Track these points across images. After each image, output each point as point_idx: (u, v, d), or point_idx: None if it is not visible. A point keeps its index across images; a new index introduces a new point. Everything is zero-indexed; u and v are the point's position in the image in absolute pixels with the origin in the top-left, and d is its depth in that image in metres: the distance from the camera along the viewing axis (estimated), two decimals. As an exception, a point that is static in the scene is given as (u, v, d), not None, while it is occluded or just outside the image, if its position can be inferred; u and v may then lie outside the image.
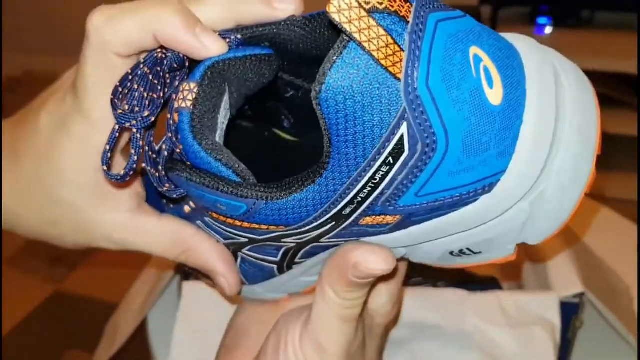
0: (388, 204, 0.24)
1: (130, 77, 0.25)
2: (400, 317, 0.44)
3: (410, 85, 0.21)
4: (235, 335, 0.34)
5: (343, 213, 0.25)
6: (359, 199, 0.24)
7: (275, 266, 0.32)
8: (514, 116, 0.22)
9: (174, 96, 0.25)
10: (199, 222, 0.31)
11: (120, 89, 0.25)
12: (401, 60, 0.21)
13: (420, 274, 0.51)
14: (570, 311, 0.46)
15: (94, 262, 1.11)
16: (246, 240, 0.29)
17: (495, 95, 0.22)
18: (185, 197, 0.29)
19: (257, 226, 0.26)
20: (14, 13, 2.25)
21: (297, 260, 0.31)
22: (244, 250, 0.31)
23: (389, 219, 0.25)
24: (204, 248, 0.31)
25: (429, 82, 0.21)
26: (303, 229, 0.26)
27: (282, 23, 0.26)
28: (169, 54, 0.26)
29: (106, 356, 0.60)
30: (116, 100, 0.25)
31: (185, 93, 0.24)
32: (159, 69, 0.25)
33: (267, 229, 0.26)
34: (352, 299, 0.28)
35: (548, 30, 1.39)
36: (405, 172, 0.23)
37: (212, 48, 0.25)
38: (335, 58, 0.21)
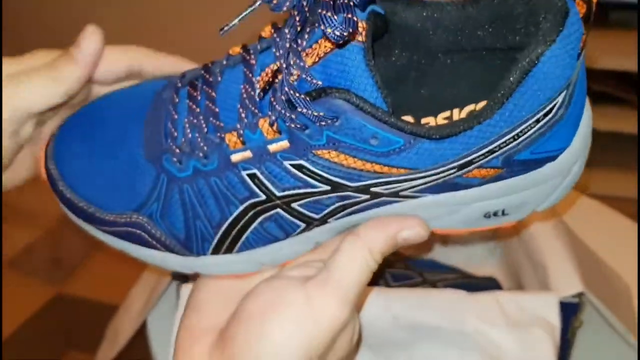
0: (506, 158, 0.29)
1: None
2: (398, 318, 0.44)
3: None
4: (195, 313, 0.33)
5: (473, 161, 0.29)
6: (496, 149, 0.28)
7: (303, 224, 0.33)
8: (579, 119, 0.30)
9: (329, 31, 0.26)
10: (250, 171, 0.31)
11: None
12: None
13: (420, 274, 0.51)
14: (569, 311, 0.46)
15: (94, 265, 1.11)
16: (327, 188, 0.30)
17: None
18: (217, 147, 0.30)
19: (379, 168, 0.29)
20: (13, 17, 2.25)
21: (339, 217, 0.33)
22: (292, 205, 0.31)
23: (491, 172, 0.30)
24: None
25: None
26: (423, 174, 0.29)
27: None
28: None
29: (107, 359, 0.60)
30: None
31: (360, 28, 0.27)
32: None
33: (389, 171, 0.29)
34: (381, 256, 0.32)
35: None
36: (540, 131, 0.28)
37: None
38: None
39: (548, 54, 0.26)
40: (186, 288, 0.46)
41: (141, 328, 0.55)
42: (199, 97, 0.32)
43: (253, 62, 0.31)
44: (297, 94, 0.27)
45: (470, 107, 0.33)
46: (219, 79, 0.32)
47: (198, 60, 0.37)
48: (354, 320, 0.32)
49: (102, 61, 0.37)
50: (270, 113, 0.29)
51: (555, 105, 0.28)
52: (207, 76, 0.32)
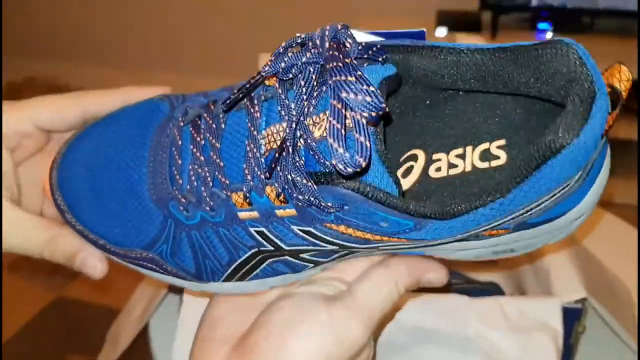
0: (520, 223, 0.28)
1: None
2: (401, 323, 0.44)
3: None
4: (210, 327, 0.34)
5: (483, 232, 0.29)
6: (509, 221, 0.28)
7: (312, 264, 0.33)
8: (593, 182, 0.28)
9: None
10: (258, 229, 0.31)
11: None
12: None
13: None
14: (572, 316, 0.46)
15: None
16: (335, 248, 0.31)
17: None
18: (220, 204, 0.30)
19: (388, 239, 0.29)
20: (15, 18, 2.25)
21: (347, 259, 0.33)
22: (300, 255, 0.32)
23: (501, 232, 0.29)
24: (73, 235, 0.34)
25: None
26: (431, 243, 0.30)
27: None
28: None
29: (108, 362, 0.60)
30: None
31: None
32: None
33: (398, 241, 0.29)
34: (404, 290, 0.33)
35: (548, 35, 1.39)
36: (555, 201, 0.27)
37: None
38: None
39: (571, 146, 0.24)
40: (187, 297, 0.45)
41: (142, 331, 0.55)
42: (203, 143, 0.31)
43: (257, 114, 0.30)
44: (304, 181, 0.27)
45: (484, 146, 0.32)
46: (223, 126, 0.31)
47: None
48: (370, 346, 0.33)
49: (56, 112, 0.37)
50: (276, 184, 0.29)
51: (572, 180, 0.26)
52: (210, 121, 0.32)
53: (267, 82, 0.30)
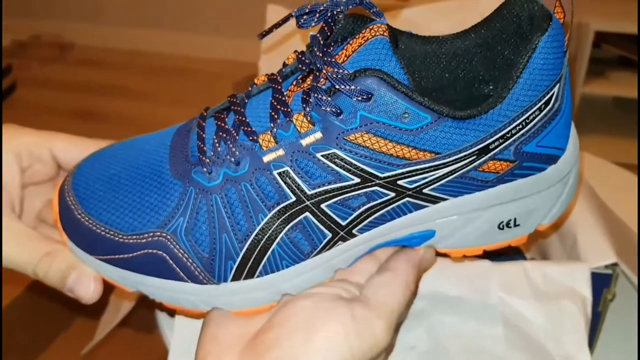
0: (516, 148, 0.33)
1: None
2: (419, 288, 0.41)
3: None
4: (218, 325, 0.33)
5: (489, 147, 0.32)
6: (508, 135, 0.32)
7: (330, 234, 0.34)
8: (569, 120, 0.36)
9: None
10: (282, 169, 0.32)
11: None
12: None
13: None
14: (601, 283, 0.43)
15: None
16: (357, 181, 0.32)
17: None
18: (249, 156, 0.32)
19: (408, 151, 0.31)
20: None
21: (362, 226, 0.34)
22: (321, 206, 0.33)
23: (504, 165, 0.34)
24: (69, 251, 0.35)
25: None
26: (445, 160, 0.32)
27: None
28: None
29: (111, 323, 0.59)
30: None
31: (380, 29, 0.31)
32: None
33: (416, 156, 0.32)
34: (415, 287, 0.35)
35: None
36: (543, 121, 0.33)
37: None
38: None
39: (539, 49, 0.31)
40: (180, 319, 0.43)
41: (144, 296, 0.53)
42: (227, 118, 0.34)
43: (279, 85, 0.33)
44: (335, 76, 0.30)
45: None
46: (246, 101, 0.34)
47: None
48: (386, 350, 0.33)
49: (71, 144, 0.39)
50: (304, 106, 0.31)
51: (552, 96, 0.33)
52: (234, 100, 0.34)
53: (286, 62, 0.35)
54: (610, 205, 0.51)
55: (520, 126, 0.32)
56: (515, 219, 0.36)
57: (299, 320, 0.31)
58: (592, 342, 0.46)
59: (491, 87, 0.37)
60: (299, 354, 0.30)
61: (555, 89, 0.33)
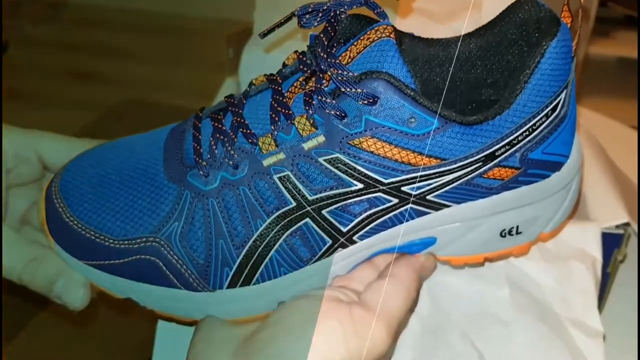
0: (522, 155, 0.32)
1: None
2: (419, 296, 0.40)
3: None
4: (197, 344, 0.32)
5: (496, 154, 0.31)
6: (515, 142, 0.31)
7: (330, 241, 0.32)
8: (574, 127, 0.35)
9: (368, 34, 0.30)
10: (282, 173, 0.31)
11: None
12: None
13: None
14: (611, 243, 0.42)
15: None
16: (360, 186, 0.31)
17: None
18: (250, 159, 0.31)
19: (413, 157, 0.30)
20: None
21: (363, 233, 0.33)
22: (322, 212, 0.32)
23: (509, 172, 0.32)
24: (56, 256, 0.33)
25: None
26: (451, 167, 0.31)
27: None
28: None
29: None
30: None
31: (386, 31, 0.30)
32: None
33: (421, 161, 0.31)
34: (416, 293, 0.34)
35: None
36: (549, 128, 0.32)
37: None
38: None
39: (547, 54, 0.30)
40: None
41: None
42: (224, 119, 0.33)
43: (279, 86, 0.32)
44: (340, 78, 0.29)
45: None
46: (244, 102, 0.33)
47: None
48: (384, 357, 0.33)
49: (57, 144, 0.37)
50: (307, 108, 0.30)
51: (559, 102, 0.32)
52: (231, 100, 0.33)
53: (287, 62, 0.34)
54: (619, 165, 0.50)
55: (527, 132, 0.31)
56: (517, 227, 0.35)
57: (295, 318, 0.31)
58: (600, 304, 0.45)
59: (494, 92, 0.36)
60: (295, 351, 0.29)
61: (562, 95, 0.32)
